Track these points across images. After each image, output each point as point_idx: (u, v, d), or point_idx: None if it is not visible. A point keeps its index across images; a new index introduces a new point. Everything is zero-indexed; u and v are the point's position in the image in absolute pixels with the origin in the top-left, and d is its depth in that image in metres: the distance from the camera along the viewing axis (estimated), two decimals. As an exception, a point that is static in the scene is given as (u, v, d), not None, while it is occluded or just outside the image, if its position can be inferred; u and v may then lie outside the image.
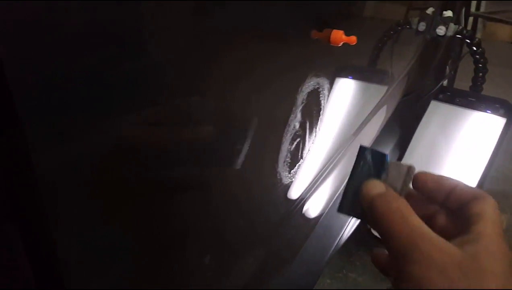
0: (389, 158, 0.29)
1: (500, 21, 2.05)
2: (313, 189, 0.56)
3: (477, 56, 0.86)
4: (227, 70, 0.30)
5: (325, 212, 0.61)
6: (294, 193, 0.50)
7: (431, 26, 0.81)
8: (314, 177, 0.56)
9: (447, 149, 0.99)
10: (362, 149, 0.30)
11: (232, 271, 0.42)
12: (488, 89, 1.04)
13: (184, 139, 0.29)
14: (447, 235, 0.26)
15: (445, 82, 1.33)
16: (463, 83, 1.30)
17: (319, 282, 1.12)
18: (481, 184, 0.97)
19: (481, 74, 0.89)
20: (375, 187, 0.28)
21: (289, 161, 0.44)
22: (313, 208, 0.57)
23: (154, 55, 0.23)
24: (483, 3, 2.19)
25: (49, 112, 0.18)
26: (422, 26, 0.79)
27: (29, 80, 0.17)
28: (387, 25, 0.71)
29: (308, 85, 0.42)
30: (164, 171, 0.29)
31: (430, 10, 0.81)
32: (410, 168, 0.29)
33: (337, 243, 0.66)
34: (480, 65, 0.88)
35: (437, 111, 0.99)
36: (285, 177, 0.45)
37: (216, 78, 0.29)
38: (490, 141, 0.94)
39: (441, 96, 0.98)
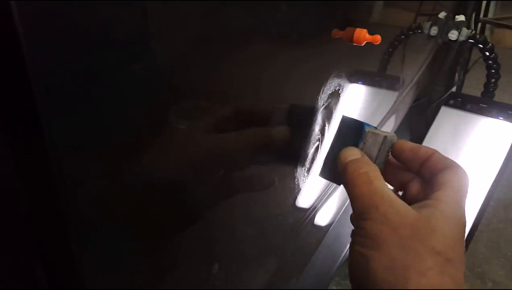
0: (367, 127, 0.31)
1: (509, 27, 2.03)
2: (324, 198, 0.55)
3: (490, 62, 0.85)
4: (239, 71, 0.29)
5: (335, 221, 0.59)
6: (306, 202, 0.49)
7: (444, 31, 0.79)
8: (325, 186, 0.55)
9: (457, 156, 0.97)
10: (343, 118, 0.31)
11: (242, 281, 0.41)
12: (495, 96, 1.02)
13: (267, 140, 0.31)
14: (418, 198, 0.28)
15: (453, 88, 1.32)
16: (470, 90, 1.28)
17: None
18: (492, 192, 0.95)
19: (493, 80, 0.88)
20: (351, 153, 0.30)
21: (304, 169, 0.43)
22: (323, 217, 0.56)
23: (171, 56, 0.23)
24: (491, 10, 2.18)
25: (65, 114, 0.18)
26: (434, 31, 0.78)
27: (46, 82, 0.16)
28: (394, 31, 0.70)
29: (317, 90, 0.41)
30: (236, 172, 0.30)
31: (442, 15, 0.80)
32: (386, 137, 0.30)
33: (346, 252, 0.65)
34: (493, 71, 0.86)
35: (447, 117, 0.97)
36: (299, 185, 0.44)
37: (227, 80, 0.29)
38: (502, 148, 0.92)
39: (451, 101, 0.96)
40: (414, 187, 0.29)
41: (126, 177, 0.22)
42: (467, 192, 0.27)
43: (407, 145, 0.30)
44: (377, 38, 0.33)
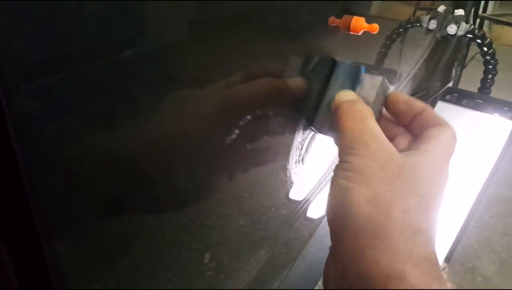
0: (364, 71, 0.29)
1: (508, 24, 2.03)
2: (317, 190, 0.55)
3: (488, 57, 0.84)
4: (233, 61, 0.29)
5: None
6: (298, 194, 0.49)
7: (442, 25, 0.79)
8: (319, 178, 0.55)
9: (452, 151, 0.97)
10: (338, 63, 0.30)
11: (233, 271, 0.41)
12: (491, 93, 1.02)
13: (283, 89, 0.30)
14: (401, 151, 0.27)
15: (450, 83, 1.32)
16: (467, 86, 1.28)
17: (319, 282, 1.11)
18: (485, 187, 0.95)
19: (490, 76, 0.88)
20: (347, 95, 0.29)
21: (297, 161, 0.42)
22: (316, 209, 0.56)
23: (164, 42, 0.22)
24: (490, 6, 2.17)
25: (43, 108, 0.17)
26: (432, 24, 0.77)
27: (20, 71, 0.15)
28: (393, 24, 0.69)
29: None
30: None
31: (441, 8, 0.79)
32: (384, 80, 0.29)
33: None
34: (490, 67, 0.86)
35: (443, 112, 0.97)
36: (292, 177, 0.43)
37: (220, 69, 0.28)
38: (497, 144, 0.92)
39: (448, 97, 0.96)
40: (402, 142, 0.29)
41: (111, 162, 0.22)
42: (453, 151, 0.27)
43: (402, 96, 0.30)
44: (375, 27, 0.33)
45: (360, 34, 0.32)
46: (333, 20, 0.34)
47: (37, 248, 0.19)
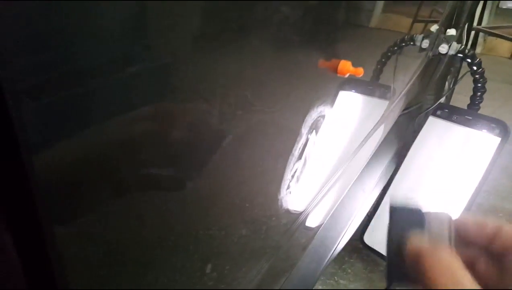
0: (424, 210, 0.27)
1: (501, 36, 2.07)
2: (314, 202, 0.57)
3: (477, 76, 0.88)
4: (234, 77, 0.29)
5: (323, 225, 0.61)
6: (296, 206, 0.50)
7: (435, 44, 0.82)
8: (317, 191, 0.56)
9: (442, 165, 1.00)
10: (393, 208, 0.27)
11: (234, 281, 0.42)
12: (485, 103, 1.05)
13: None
14: (488, 279, 0.26)
15: (442, 99, 1.34)
16: (460, 96, 1.31)
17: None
18: (473, 200, 0.99)
19: (479, 93, 0.91)
20: (421, 241, 0.26)
21: (296, 174, 0.44)
22: (312, 221, 0.58)
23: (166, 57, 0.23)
24: (485, 18, 2.21)
25: (47, 114, 0.17)
26: (425, 43, 0.80)
27: (25, 83, 0.16)
28: (392, 36, 0.71)
29: (312, 98, 0.41)
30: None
31: (434, 28, 0.82)
32: (450, 218, 0.27)
33: (332, 254, 0.67)
34: (479, 85, 0.89)
35: (434, 127, 1.00)
36: (290, 190, 0.45)
37: (221, 84, 0.29)
38: (484, 159, 0.96)
39: (439, 112, 0.99)
40: (483, 265, 0.27)
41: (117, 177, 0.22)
42: None
43: (470, 220, 0.27)
44: (360, 71, 0.35)
45: (346, 76, 0.35)
46: (322, 63, 0.36)
47: (43, 249, 0.20)
